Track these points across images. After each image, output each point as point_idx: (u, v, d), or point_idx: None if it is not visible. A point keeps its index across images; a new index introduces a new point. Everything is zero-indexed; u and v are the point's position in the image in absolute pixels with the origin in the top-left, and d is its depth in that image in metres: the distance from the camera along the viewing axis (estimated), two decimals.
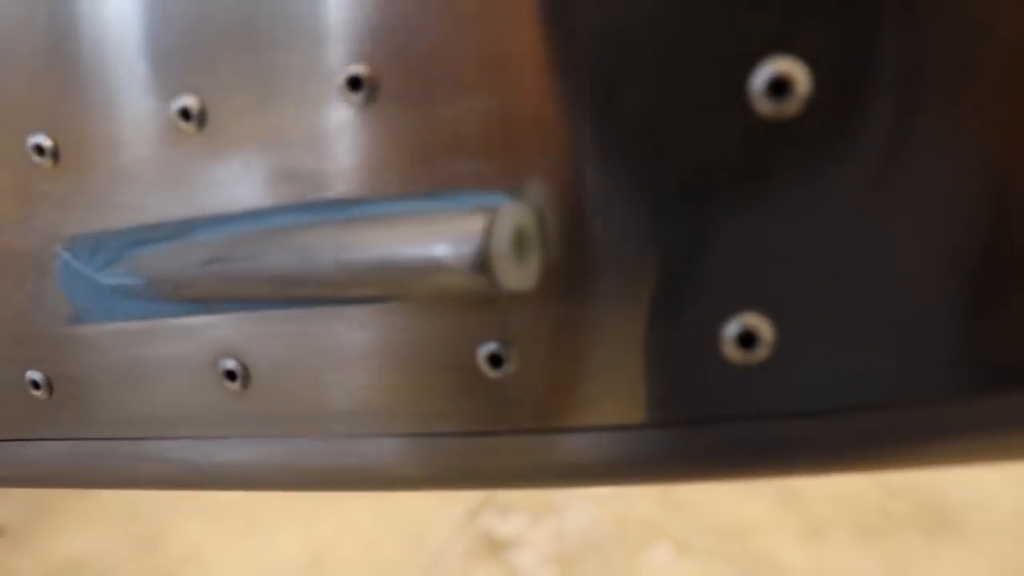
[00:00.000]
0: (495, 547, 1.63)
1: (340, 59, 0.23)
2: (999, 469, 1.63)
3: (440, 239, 0.21)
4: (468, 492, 1.76)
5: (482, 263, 0.20)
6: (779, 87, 0.20)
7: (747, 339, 0.21)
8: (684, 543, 1.59)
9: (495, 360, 0.24)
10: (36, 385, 0.30)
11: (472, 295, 0.22)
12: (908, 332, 0.20)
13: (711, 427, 0.23)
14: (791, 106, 0.20)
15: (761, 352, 0.21)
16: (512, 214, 0.21)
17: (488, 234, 0.20)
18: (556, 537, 1.65)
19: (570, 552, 1.61)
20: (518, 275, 0.21)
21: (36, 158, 0.27)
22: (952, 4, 0.19)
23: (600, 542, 1.63)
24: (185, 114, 0.25)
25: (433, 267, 0.21)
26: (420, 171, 0.23)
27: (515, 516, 1.70)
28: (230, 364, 0.27)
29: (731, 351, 0.22)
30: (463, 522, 1.69)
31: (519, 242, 0.21)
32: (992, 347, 0.20)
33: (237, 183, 0.25)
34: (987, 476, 1.64)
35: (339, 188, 0.24)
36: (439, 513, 1.71)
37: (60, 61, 0.26)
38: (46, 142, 0.27)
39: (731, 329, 0.22)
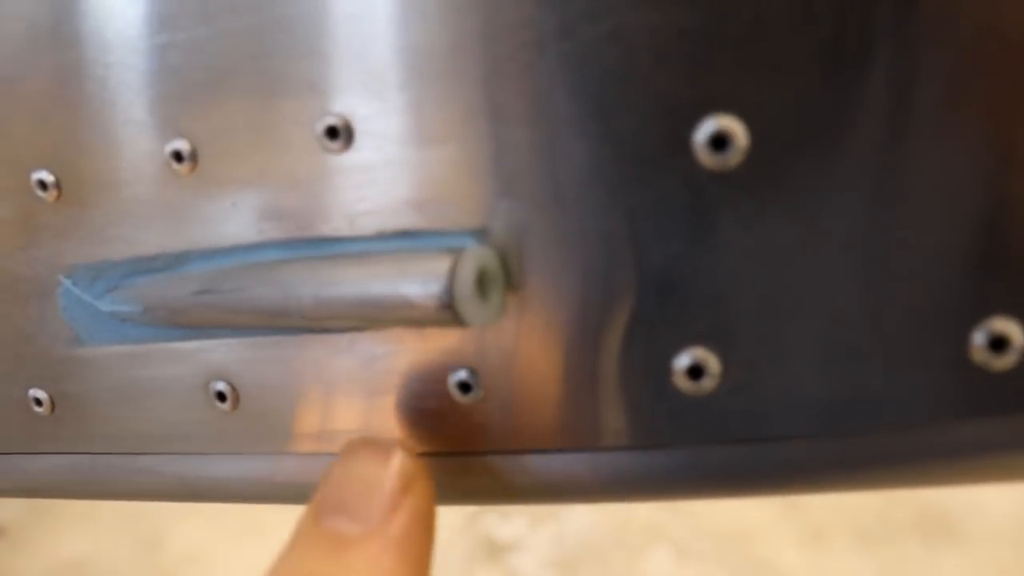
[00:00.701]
0: (495, 550, 1.63)
1: (318, 109, 0.25)
2: None
3: (408, 279, 0.23)
4: None
5: (447, 303, 0.22)
6: (720, 142, 0.21)
7: (696, 371, 0.23)
8: (684, 547, 1.59)
9: (464, 387, 0.25)
10: (39, 402, 0.32)
11: (440, 328, 0.24)
12: (851, 365, 0.22)
13: (666, 451, 0.25)
14: (732, 158, 0.21)
15: (708, 383, 0.23)
16: (475, 256, 0.23)
17: (452, 275, 0.22)
18: (556, 541, 1.64)
19: (570, 556, 1.61)
20: (481, 312, 0.23)
21: (39, 192, 0.29)
22: (878, 60, 0.20)
23: (600, 546, 1.63)
24: (178, 156, 0.26)
25: (402, 304, 0.23)
26: (393, 213, 0.25)
27: (515, 520, 1.69)
28: (220, 386, 0.29)
29: (681, 382, 0.23)
30: (463, 525, 1.68)
31: (482, 281, 0.23)
32: (927, 378, 0.22)
33: (226, 220, 0.27)
34: None
35: (319, 227, 0.26)
36: (439, 516, 1.71)
37: (64, 103, 0.28)
38: (48, 177, 0.29)
39: (682, 362, 0.23)
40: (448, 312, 0.22)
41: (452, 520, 1.69)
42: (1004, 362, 0.21)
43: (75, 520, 1.79)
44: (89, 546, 1.73)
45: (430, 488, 0.25)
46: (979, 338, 0.21)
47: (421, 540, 0.24)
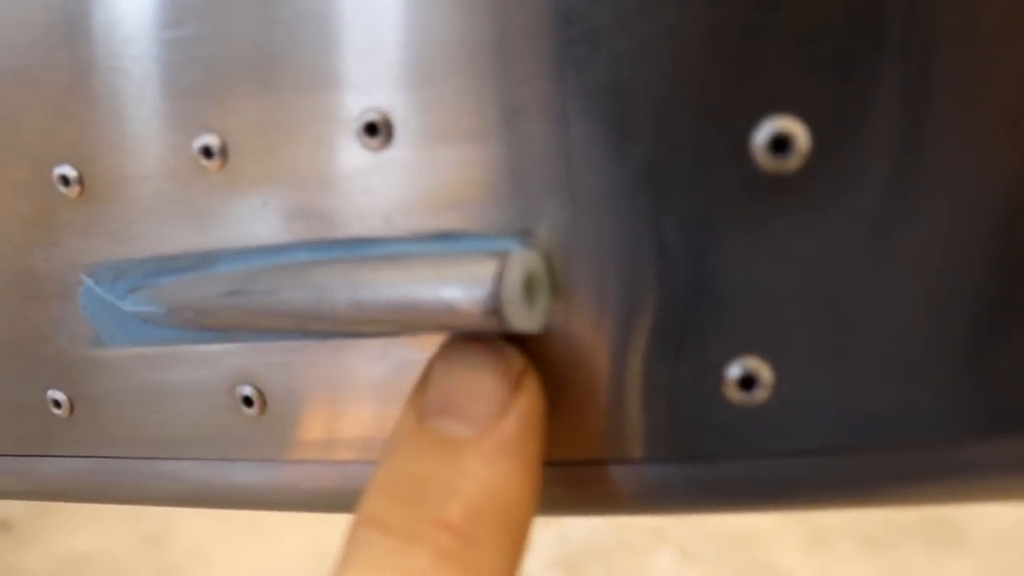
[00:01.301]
0: None
1: (358, 104, 0.24)
2: None
3: (451, 283, 0.22)
4: None
5: (494, 308, 0.21)
6: (780, 144, 0.20)
7: (747, 381, 0.22)
8: (688, 550, 1.58)
9: None
10: (57, 404, 0.31)
11: (498, 332, 0.23)
12: (906, 377, 0.21)
13: (711, 464, 0.24)
14: (792, 161, 0.20)
15: (761, 394, 0.22)
16: (523, 260, 0.22)
17: (500, 279, 0.21)
18: (560, 542, 1.63)
19: (574, 557, 1.60)
20: (528, 318, 0.22)
21: (61, 188, 0.28)
22: (949, 63, 0.19)
23: (604, 547, 1.62)
24: (207, 152, 0.25)
25: (444, 310, 0.22)
26: (432, 213, 0.24)
27: None
28: (247, 391, 0.28)
29: (732, 392, 0.22)
30: None
31: (529, 286, 0.22)
32: (992, 391, 0.21)
33: (256, 219, 0.26)
34: None
35: (354, 227, 0.24)
36: None
37: (87, 96, 0.27)
38: (71, 173, 0.28)
39: (733, 371, 0.22)
40: (494, 318, 0.21)
41: None
42: None
43: (79, 516, 1.79)
44: (93, 542, 1.73)
45: (539, 386, 0.23)
46: None
47: (535, 442, 0.22)
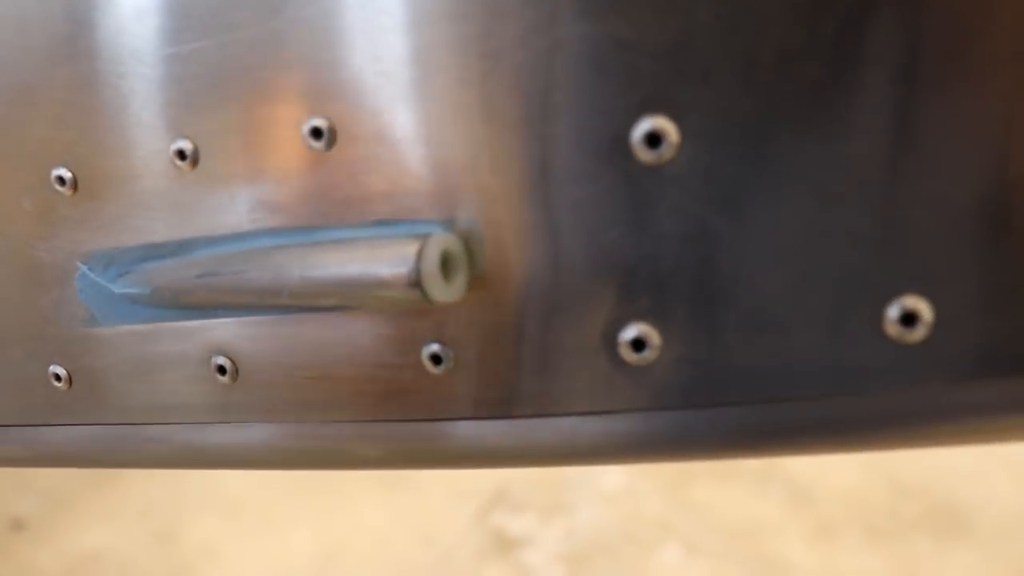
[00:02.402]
0: (505, 545, 1.65)
1: (305, 113, 0.28)
2: (1010, 470, 1.63)
3: (382, 261, 0.26)
4: (479, 491, 1.79)
5: (416, 281, 0.25)
6: (654, 139, 0.24)
7: (638, 343, 0.26)
8: (694, 543, 1.60)
9: (436, 359, 0.29)
10: (58, 378, 0.35)
11: (412, 306, 0.27)
12: (770, 338, 0.25)
13: (618, 416, 0.28)
14: (666, 153, 0.24)
15: (650, 354, 0.26)
16: (441, 241, 0.26)
17: (420, 257, 0.25)
18: (566, 536, 1.66)
19: (580, 551, 1.63)
20: (445, 290, 0.26)
21: (58, 187, 0.32)
22: (795, 72, 0.23)
23: (610, 541, 1.65)
24: (181, 154, 0.30)
25: (377, 284, 0.26)
26: (370, 204, 0.28)
27: (526, 515, 1.72)
28: (221, 360, 0.32)
29: (626, 353, 0.26)
30: (474, 520, 1.71)
31: (446, 263, 0.26)
32: (847, 354, 0.25)
33: (225, 211, 0.30)
34: (997, 478, 1.64)
35: (306, 217, 0.29)
36: (450, 512, 1.73)
37: (81, 108, 0.31)
38: (67, 174, 0.32)
39: (627, 335, 0.26)
40: (416, 290, 0.25)
41: (463, 515, 1.72)
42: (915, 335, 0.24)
43: (92, 514, 1.82)
44: (105, 540, 1.76)
45: None
46: (893, 313, 0.24)
47: None
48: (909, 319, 0.24)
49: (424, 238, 0.26)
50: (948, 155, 0.22)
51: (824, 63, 0.23)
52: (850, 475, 1.74)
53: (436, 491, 1.80)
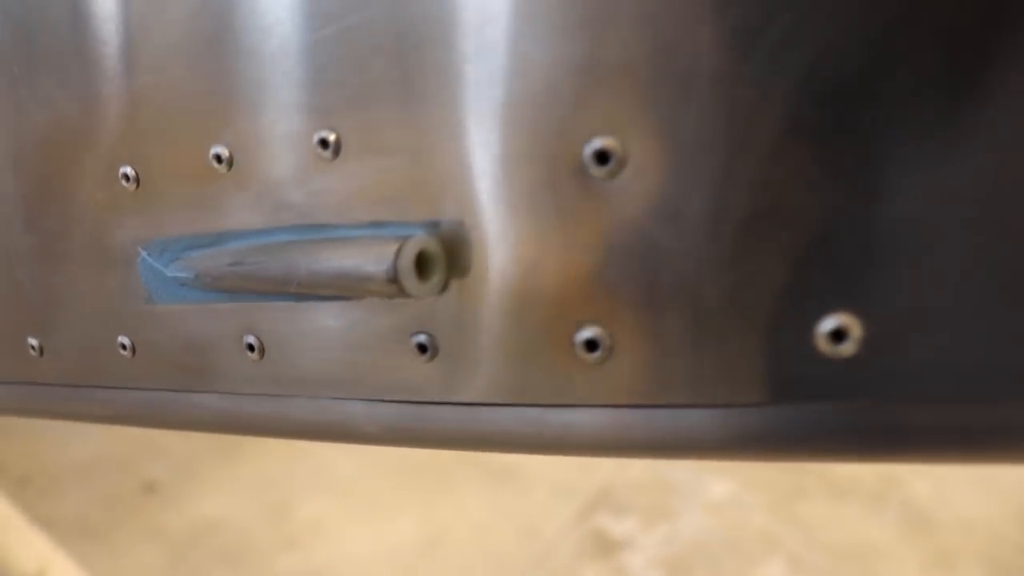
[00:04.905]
0: (606, 546, 1.66)
1: (316, 125, 0.32)
2: None
3: (368, 259, 0.30)
4: (583, 490, 1.81)
5: (392, 277, 0.29)
6: (603, 157, 0.27)
7: (591, 344, 0.29)
8: (799, 560, 1.58)
9: (422, 348, 0.32)
10: (124, 347, 0.41)
11: (393, 298, 0.31)
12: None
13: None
14: (614, 169, 0.27)
15: (599, 356, 0.29)
16: (418, 243, 0.29)
17: (397, 256, 0.29)
18: (667, 541, 1.66)
19: (681, 558, 1.63)
20: (421, 287, 0.29)
21: (124, 183, 0.37)
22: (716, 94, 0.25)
23: (712, 551, 1.64)
24: (218, 159, 0.34)
25: (364, 278, 0.30)
26: (368, 207, 0.32)
27: (628, 517, 1.73)
28: (250, 339, 0.36)
29: (580, 352, 0.29)
30: (575, 519, 1.73)
31: (424, 262, 0.30)
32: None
33: (252, 210, 0.34)
34: None
35: (316, 217, 0.33)
36: (552, 509, 1.75)
37: (142, 115, 0.36)
38: (130, 171, 0.37)
39: (582, 335, 0.29)
40: (394, 285, 0.29)
41: (565, 513, 1.74)
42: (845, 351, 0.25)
43: (215, 483, 1.93)
44: (225, 508, 1.87)
45: None
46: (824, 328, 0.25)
47: None
48: (839, 335, 0.25)
49: (404, 239, 0.29)
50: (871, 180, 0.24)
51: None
52: (975, 503, 1.67)
53: (540, 487, 1.82)
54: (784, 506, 1.72)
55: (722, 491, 1.78)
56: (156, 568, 1.71)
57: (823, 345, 0.26)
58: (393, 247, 0.29)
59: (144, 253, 0.38)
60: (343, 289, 0.31)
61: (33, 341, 0.44)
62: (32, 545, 1.42)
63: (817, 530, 1.66)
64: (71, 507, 1.86)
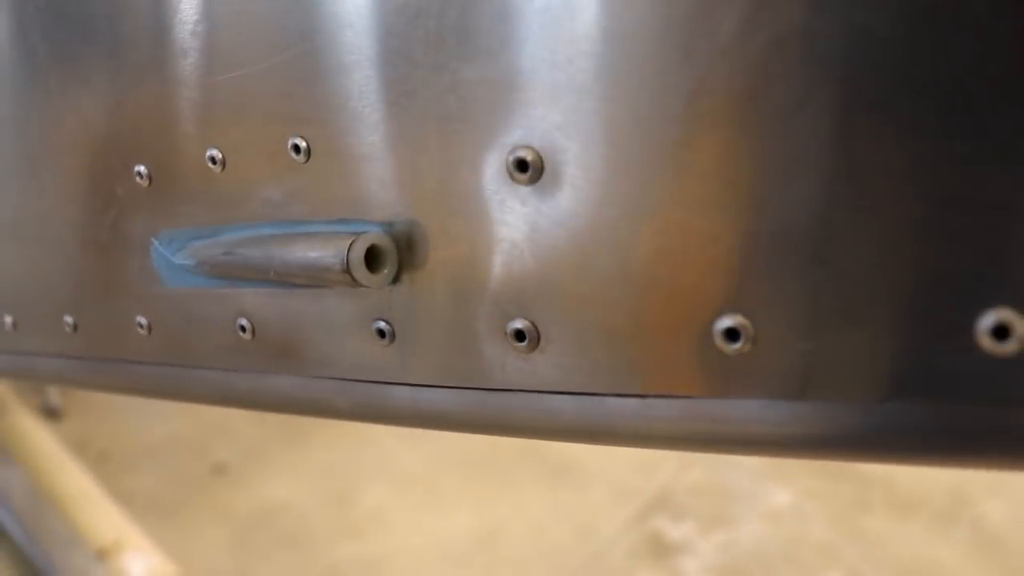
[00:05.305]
0: (661, 550, 1.65)
1: (289, 133, 0.36)
2: None
3: (328, 251, 0.33)
4: (641, 493, 1.81)
5: (344, 269, 0.33)
6: (522, 165, 0.30)
7: (519, 335, 0.32)
8: (858, 575, 1.55)
9: (381, 333, 0.36)
10: (141, 326, 0.45)
11: (354, 287, 0.34)
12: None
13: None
14: (533, 177, 0.30)
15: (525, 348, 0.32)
16: (369, 238, 0.33)
17: (349, 250, 0.32)
18: (724, 548, 1.64)
19: (737, 566, 1.61)
20: (371, 278, 0.33)
21: (138, 180, 0.42)
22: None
23: (769, 560, 1.62)
24: (213, 160, 0.39)
25: (324, 268, 0.34)
26: (335, 206, 0.35)
27: (685, 522, 1.71)
28: (243, 321, 0.41)
29: (513, 344, 0.32)
30: (633, 521, 1.72)
31: (377, 256, 0.33)
32: None
33: (242, 205, 0.38)
34: None
35: (294, 213, 0.37)
36: (610, 510, 1.74)
37: (152, 114, 0.41)
38: (143, 169, 0.42)
39: (512, 325, 0.32)
40: (347, 276, 0.33)
41: (622, 514, 1.73)
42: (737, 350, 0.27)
43: (281, 468, 1.96)
44: (290, 493, 1.90)
45: None
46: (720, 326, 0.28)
47: None
48: (732, 334, 0.27)
49: (357, 236, 0.33)
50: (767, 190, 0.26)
51: None
52: None
53: (599, 488, 1.80)
54: (846, 518, 1.68)
55: (782, 500, 1.74)
56: (220, 547, 1.75)
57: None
58: (347, 241, 0.33)
59: (156, 243, 0.43)
60: (310, 278, 0.35)
61: (69, 319, 0.49)
62: (109, 518, 1.48)
63: (879, 545, 1.63)
64: (146, 484, 1.91)
